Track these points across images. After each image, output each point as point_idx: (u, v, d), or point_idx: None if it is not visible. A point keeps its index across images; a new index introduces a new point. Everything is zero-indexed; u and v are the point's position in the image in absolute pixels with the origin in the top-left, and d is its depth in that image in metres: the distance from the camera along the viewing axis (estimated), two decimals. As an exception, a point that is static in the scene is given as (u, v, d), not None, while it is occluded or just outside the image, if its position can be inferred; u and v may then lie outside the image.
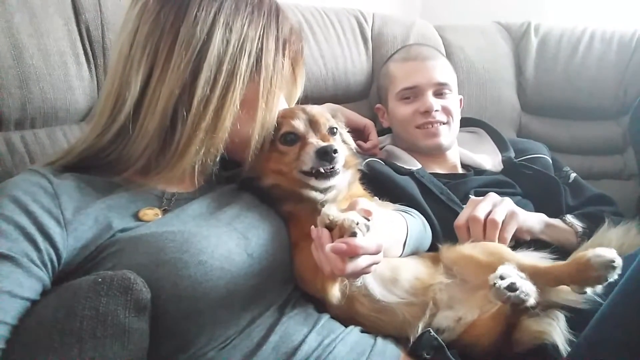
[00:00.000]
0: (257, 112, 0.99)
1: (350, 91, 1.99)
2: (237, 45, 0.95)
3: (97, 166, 0.96)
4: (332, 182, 1.03)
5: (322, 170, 1.00)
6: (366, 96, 2.05)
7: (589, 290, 0.98)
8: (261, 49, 0.99)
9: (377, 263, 0.87)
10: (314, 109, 1.11)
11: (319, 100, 1.77)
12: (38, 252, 0.79)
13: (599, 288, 0.96)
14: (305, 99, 1.47)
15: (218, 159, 0.98)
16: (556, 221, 1.41)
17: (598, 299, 0.98)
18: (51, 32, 1.24)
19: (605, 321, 0.90)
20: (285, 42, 1.05)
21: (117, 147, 0.94)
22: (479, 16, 2.55)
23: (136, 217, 0.92)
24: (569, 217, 1.42)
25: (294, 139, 1.06)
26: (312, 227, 0.86)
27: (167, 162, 0.94)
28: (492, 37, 2.25)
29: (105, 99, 0.96)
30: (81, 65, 1.29)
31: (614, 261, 0.92)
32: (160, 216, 0.93)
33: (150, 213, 0.93)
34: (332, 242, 0.81)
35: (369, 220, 0.84)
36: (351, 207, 0.90)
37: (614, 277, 0.93)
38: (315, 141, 1.03)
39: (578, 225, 1.38)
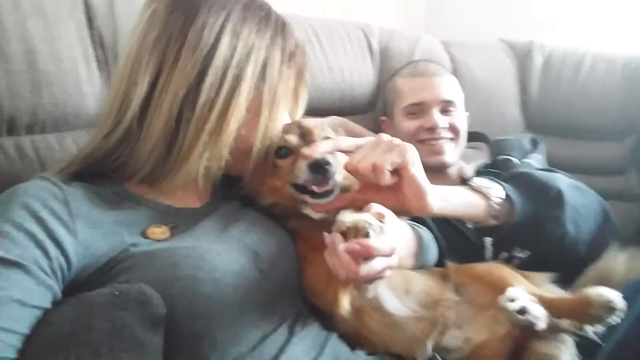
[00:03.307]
0: (260, 120, 0.99)
1: (356, 104, 1.99)
2: (244, 52, 0.96)
3: (105, 172, 0.96)
4: (330, 199, 1.01)
5: (316, 190, 0.99)
6: (372, 109, 2.05)
7: (588, 328, 0.97)
8: (267, 57, 1.00)
9: (391, 267, 0.86)
10: (308, 122, 1.10)
11: (325, 112, 1.78)
12: (48, 259, 0.78)
13: (599, 328, 0.96)
14: (312, 111, 1.47)
15: (222, 163, 0.97)
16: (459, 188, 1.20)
17: (596, 339, 0.97)
18: (64, 37, 1.24)
19: (620, 348, 0.90)
20: (291, 55, 1.06)
21: (124, 150, 0.95)
22: (481, 33, 2.57)
23: (144, 235, 0.91)
24: (477, 180, 1.21)
25: (288, 152, 1.05)
26: (325, 233, 0.86)
27: (172, 166, 0.94)
28: (497, 54, 2.28)
29: (112, 100, 0.97)
30: (93, 71, 1.29)
31: (612, 302, 0.91)
32: (167, 234, 0.93)
33: (157, 231, 0.92)
34: None
35: (382, 222, 0.84)
36: (365, 210, 0.90)
37: (614, 320, 0.92)
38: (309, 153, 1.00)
39: (486, 187, 1.17)
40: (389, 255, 0.83)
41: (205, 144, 0.93)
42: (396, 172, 0.95)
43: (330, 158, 0.97)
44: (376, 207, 0.91)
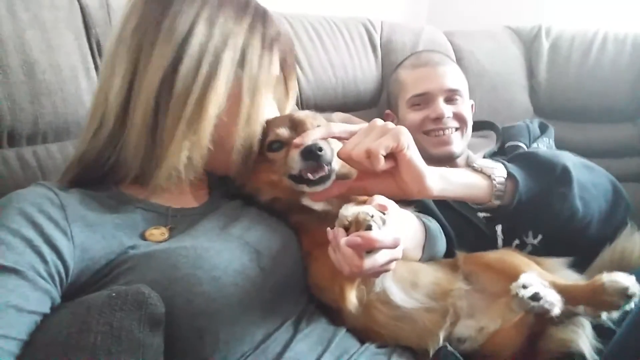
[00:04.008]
0: (242, 107, 0.98)
1: (360, 99, 1.98)
2: (221, 39, 0.95)
3: (100, 176, 0.95)
4: (326, 185, 0.99)
5: (311, 177, 0.97)
6: (376, 104, 2.04)
7: (603, 315, 0.95)
8: (246, 44, 0.98)
9: (396, 259, 0.84)
10: (299, 113, 1.09)
11: (328, 109, 1.77)
12: (45, 264, 0.78)
13: (615, 314, 0.94)
14: (315, 108, 1.47)
15: (204, 152, 0.95)
16: (460, 170, 1.19)
17: (611, 325, 0.95)
18: (62, 47, 1.24)
19: (618, 350, 0.87)
20: (273, 41, 1.03)
21: (114, 148, 0.94)
22: (486, 21, 2.54)
23: (142, 237, 0.91)
24: (480, 161, 1.20)
25: (280, 146, 1.04)
26: (328, 228, 0.85)
27: (156, 160, 0.93)
28: (503, 41, 2.24)
29: (96, 95, 0.97)
30: (92, 79, 1.29)
31: (628, 288, 0.89)
32: (166, 235, 0.92)
33: (156, 233, 0.92)
34: None
35: (384, 214, 0.82)
36: (367, 203, 0.88)
37: (629, 305, 0.90)
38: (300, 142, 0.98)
39: (488, 167, 1.15)
40: (392, 247, 0.81)
41: (184, 132, 0.91)
42: (392, 156, 0.93)
43: (322, 144, 0.95)
44: (378, 199, 0.89)
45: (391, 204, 0.91)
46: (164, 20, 0.92)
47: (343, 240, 0.78)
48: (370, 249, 0.79)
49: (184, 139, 0.92)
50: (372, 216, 0.80)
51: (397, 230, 0.84)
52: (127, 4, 0.97)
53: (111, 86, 0.92)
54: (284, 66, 1.09)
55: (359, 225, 0.80)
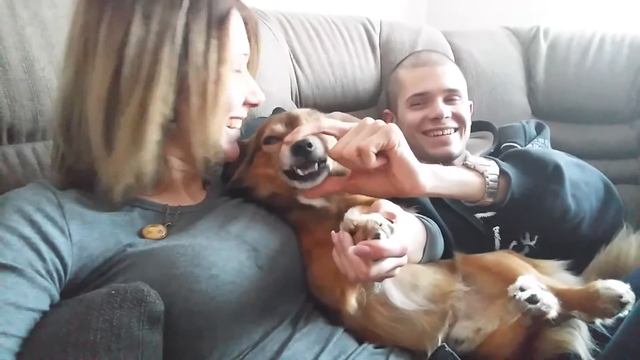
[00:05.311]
0: (191, 106, 0.91)
1: (359, 99, 1.99)
2: (157, 34, 0.87)
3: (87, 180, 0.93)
4: (317, 182, 0.98)
5: (300, 173, 0.97)
6: (375, 103, 2.05)
7: (597, 321, 0.95)
8: (187, 32, 0.89)
9: (401, 265, 0.84)
10: (296, 110, 1.09)
11: (328, 108, 1.77)
12: (43, 261, 0.78)
13: (608, 321, 0.93)
14: (315, 107, 1.47)
15: (157, 154, 0.91)
16: (453, 167, 1.21)
17: (604, 332, 0.95)
18: (62, 44, 1.23)
19: (617, 350, 0.87)
20: (223, 21, 0.94)
21: (86, 158, 0.91)
22: (484, 21, 2.55)
23: (140, 234, 0.91)
24: (472, 158, 1.20)
25: (276, 141, 1.05)
26: (333, 232, 0.85)
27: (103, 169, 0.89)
28: (501, 41, 2.25)
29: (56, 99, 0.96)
30: (91, 76, 1.29)
31: (622, 296, 0.89)
32: (164, 233, 0.92)
33: (154, 230, 0.92)
34: (355, 245, 0.79)
35: (392, 222, 0.82)
36: (374, 209, 0.88)
37: (623, 313, 0.90)
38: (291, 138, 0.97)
39: (481, 165, 1.15)
40: (400, 256, 0.82)
41: (130, 139, 0.87)
42: (383, 154, 0.93)
43: (312, 139, 0.95)
44: (386, 206, 0.89)
45: (398, 211, 0.90)
46: (101, 26, 0.87)
47: (351, 248, 0.78)
48: (379, 257, 0.79)
49: (130, 145, 0.87)
50: (381, 225, 0.79)
51: (404, 237, 0.84)
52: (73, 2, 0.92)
53: (64, 90, 0.91)
54: (250, 30, 1.03)
55: (367, 233, 0.79)
